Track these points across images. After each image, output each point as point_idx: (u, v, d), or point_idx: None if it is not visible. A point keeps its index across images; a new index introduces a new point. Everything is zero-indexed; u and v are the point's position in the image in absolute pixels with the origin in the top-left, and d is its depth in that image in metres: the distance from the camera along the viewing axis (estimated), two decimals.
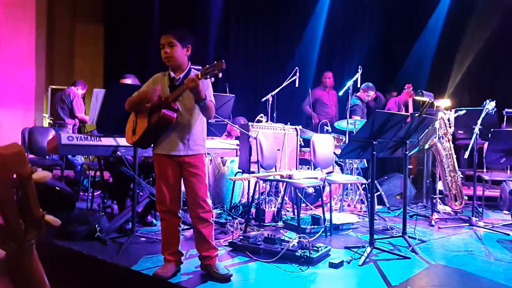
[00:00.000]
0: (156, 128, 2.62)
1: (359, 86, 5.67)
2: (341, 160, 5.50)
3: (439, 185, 4.99)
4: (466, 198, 4.81)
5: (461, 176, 4.91)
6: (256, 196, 4.34)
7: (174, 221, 2.76)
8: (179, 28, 2.71)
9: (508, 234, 4.11)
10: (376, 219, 4.45)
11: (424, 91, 4.50)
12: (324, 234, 3.87)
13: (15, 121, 6.51)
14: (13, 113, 6.66)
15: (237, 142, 4.75)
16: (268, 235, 3.32)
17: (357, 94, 6.19)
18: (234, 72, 8.46)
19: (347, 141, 5.52)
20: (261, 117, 5.30)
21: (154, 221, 4.15)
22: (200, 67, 3.81)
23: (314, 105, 7.10)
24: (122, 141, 3.56)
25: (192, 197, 2.71)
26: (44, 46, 7.31)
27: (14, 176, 0.81)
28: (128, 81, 4.73)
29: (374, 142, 3.28)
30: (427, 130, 4.12)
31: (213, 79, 2.57)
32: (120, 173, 3.79)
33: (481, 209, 4.94)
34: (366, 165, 5.74)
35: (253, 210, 4.29)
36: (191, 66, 2.80)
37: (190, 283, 2.63)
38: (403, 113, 5.16)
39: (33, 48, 6.88)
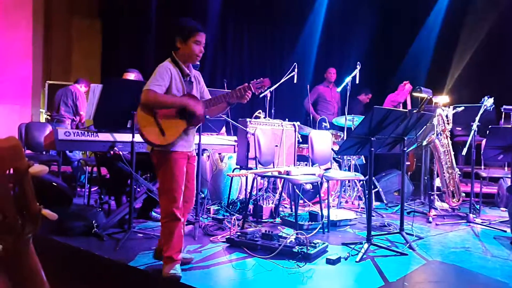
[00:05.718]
0: (193, 127, 2.69)
1: (357, 82, 5.66)
2: (339, 156, 5.50)
3: (437, 182, 5.00)
4: (464, 195, 4.82)
5: (459, 172, 4.92)
6: (254, 193, 4.34)
7: (181, 222, 2.68)
8: None
9: (505, 231, 4.12)
10: (373, 216, 4.46)
11: (422, 88, 4.50)
12: (321, 230, 3.87)
13: (12, 116, 6.49)
14: (10, 109, 6.64)
15: (235, 138, 4.74)
16: (265, 231, 3.32)
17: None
18: (232, 68, 8.44)
19: (345, 138, 5.52)
20: (259, 113, 5.28)
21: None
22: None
23: (316, 101, 7.09)
24: (119, 137, 3.55)
25: (191, 191, 2.78)
26: (41, 41, 7.27)
27: (11, 170, 0.80)
28: (132, 76, 4.60)
29: (372, 139, 3.28)
30: (425, 126, 4.12)
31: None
32: (118, 169, 3.78)
33: (478, 206, 4.94)
34: (364, 162, 5.75)
35: (250, 207, 4.29)
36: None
37: (189, 280, 2.62)
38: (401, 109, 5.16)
39: (30, 43, 6.85)
